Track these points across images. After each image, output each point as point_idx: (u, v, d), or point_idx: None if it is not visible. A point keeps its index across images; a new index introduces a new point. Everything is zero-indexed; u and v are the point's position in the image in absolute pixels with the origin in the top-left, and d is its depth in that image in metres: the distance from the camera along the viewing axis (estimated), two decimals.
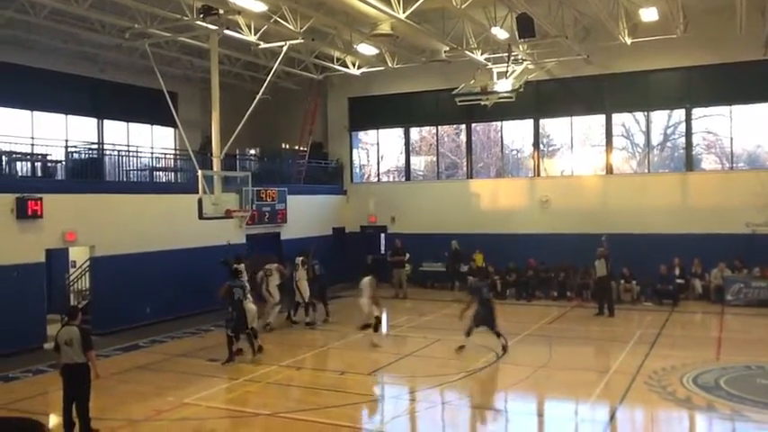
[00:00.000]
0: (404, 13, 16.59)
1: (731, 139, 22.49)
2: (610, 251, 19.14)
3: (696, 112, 22.99)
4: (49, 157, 18.37)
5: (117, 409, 11.03)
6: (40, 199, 15.82)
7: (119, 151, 20.24)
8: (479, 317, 14.50)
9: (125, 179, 19.91)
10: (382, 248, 26.83)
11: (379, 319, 15.79)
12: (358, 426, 10.83)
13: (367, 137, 29.06)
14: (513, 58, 20.55)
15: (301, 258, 18.41)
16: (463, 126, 26.64)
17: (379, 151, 28.63)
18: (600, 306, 19.15)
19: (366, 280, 15.84)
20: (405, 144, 27.74)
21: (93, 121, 22.74)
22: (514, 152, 26.84)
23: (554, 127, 25.59)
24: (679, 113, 23.40)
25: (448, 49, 21.02)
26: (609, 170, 23.98)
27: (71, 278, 19.25)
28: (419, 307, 21.16)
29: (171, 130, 24.79)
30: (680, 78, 22.90)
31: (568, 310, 20.24)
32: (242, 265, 16.63)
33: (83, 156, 19.56)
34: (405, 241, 24.23)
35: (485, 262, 23.57)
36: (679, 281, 20.97)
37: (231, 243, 19.10)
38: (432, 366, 14.02)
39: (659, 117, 24.14)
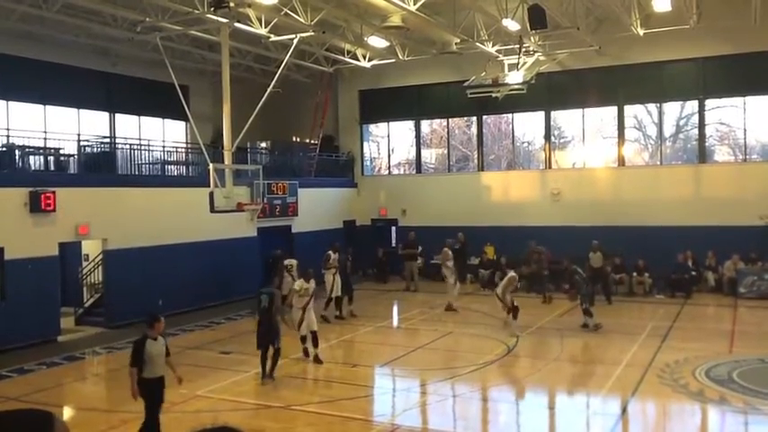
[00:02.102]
0: (414, 5, 16.53)
1: (745, 130, 22.30)
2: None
3: (709, 103, 22.80)
4: (61, 151, 18.44)
5: (130, 400, 11.09)
6: (53, 193, 15.92)
7: (131, 145, 20.31)
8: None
9: (137, 173, 19.99)
10: (393, 241, 26.84)
11: (516, 308, 16.10)
12: (370, 418, 10.85)
13: (378, 129, 29.03)
14: (524, 49, 20.44)
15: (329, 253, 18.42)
16: (474, 118, 26.57)
17: (389, 144, 28.59)
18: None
19: (509, 274, 16.74)
20: (415, 137, 27.69)
21: (105, 114, 22.79)
22: (526, 144, 26.74)
23: (566, 119, 25.47)
24: (692, 105, 23.23)
25: (459, 41, 20.94)
26: (621, 162, 23.85)
27: (84, 271, 19.38)
28: (430, 300, 21.15)
29: (182, 123, 24.85)
30: (693, 69, 22.70)
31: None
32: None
33: (95, 149, 19.67)
34: (415, 234, 24.21)
35: (496, 254, 23.54)
36: (692, 272, 20.88)
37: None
38: (443, 359, 14.04)
39: (672, 108, 23.97)
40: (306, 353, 13.61)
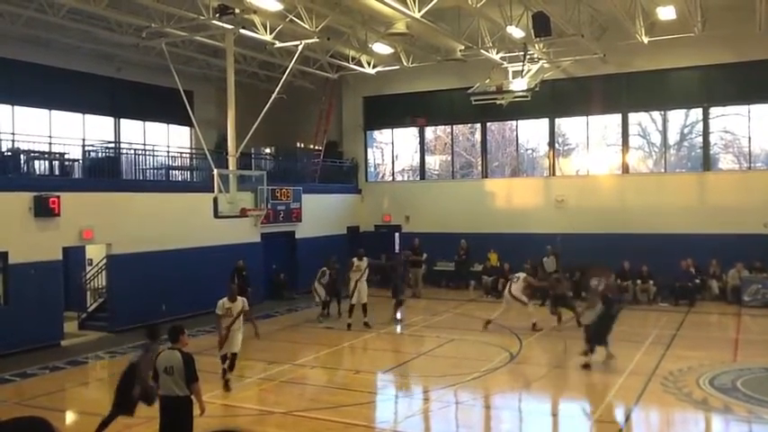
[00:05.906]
0: (419, 12, 16.54)
1: (749, 138, 22.26)
2: (561, 251, 20.78)
3: (714, 111, 22.76)
4: (66, 156, 18.52)
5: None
6: (58, 197, 15.96)
7: (135, 150, 20.37)
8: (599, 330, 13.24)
9: (141, 178, 20.05)
10: (396, 248, 26.81)
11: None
12: (372, 425, 10.82)
13: (382, 136, 29.05)
14: (528, 56, 20.44)
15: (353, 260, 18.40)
16: (478, 125, 26.56)
17: (393, 150, 28.60)
18: (543, 299, 18.90)
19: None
20: (419, 143, 27.71)
21: (110, 119, 22.84)
22: (530, 151, 26.73)
23: (570, 126, 25.45)
24: (696, 112, 23.20)
25: (463, 47, 20.96)
26: (625, 170, 23.83)
27: (88, 276, 19.39)
28: (433, 306, 21.13)
29: (187, 128, 24.89)
30: (697, 77, 22.70)
31: (583, 310, 20.09)
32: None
33: (100, 154, 19.71)
34: (420, 241, 24.16)
35: (499, 261, 23.51)
36: (695, 280, 20.81)
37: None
38: (445, 366, 13.99)
39: (676, 116, 23.92)
40: (225, 380, 12.40)
